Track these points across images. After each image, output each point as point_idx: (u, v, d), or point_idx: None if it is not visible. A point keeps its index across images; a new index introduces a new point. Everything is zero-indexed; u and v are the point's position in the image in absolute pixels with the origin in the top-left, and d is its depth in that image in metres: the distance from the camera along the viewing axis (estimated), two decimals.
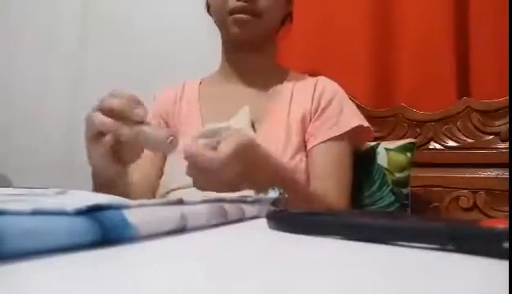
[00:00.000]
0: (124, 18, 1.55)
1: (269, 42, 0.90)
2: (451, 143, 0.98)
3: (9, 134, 1.64)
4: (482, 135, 0.95)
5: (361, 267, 0.23)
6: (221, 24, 0.85)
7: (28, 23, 1.68)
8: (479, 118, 0.95)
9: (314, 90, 0.86)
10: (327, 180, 0.77)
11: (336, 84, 0.89)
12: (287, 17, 0.93)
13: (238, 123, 0.79)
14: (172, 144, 0.52)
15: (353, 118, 0.84)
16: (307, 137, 0.83)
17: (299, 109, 0.84)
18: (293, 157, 0.78)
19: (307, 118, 0.83)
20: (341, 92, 0.88)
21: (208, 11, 0.92)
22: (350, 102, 0.89)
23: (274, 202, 0.48)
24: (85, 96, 1.58)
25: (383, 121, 1.05)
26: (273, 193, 0.53)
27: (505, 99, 0.93)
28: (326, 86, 0.87)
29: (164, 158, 0.85)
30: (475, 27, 1.01)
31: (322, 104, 0.84)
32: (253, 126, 0.81)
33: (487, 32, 0.99)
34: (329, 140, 0.81)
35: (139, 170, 0.82)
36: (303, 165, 0.80)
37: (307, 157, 0.82)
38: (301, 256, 0.26)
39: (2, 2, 1.72)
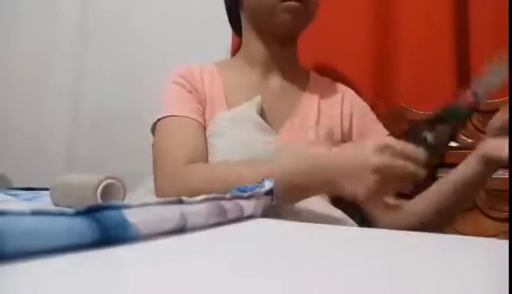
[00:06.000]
0: (124, 17, 1.55)
1: (297, 39, 0.90)
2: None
3: (9, 133, 1.64)
4: (482, 135, 0.95)
5: (365, 259, 0.23)
6: (269, 11, 0.81)
7: (27, 22, 1.68)
8: (479, 118, 0.95)
9: (342, 100, 0.88)
10: None
11: (359, 97, 0.92)
12: None
13: (246, 109, 0.79)
14: None
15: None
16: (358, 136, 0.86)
17: (329, 113, 0.85)
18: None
19: (337, 126, 0.85)
20: (366, 105, 0.92)
21: (229, 8, 0.92)
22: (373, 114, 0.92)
23: (267, 192, 0.49)
24: (85, 96, 1.58)
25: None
26: (268, 184, 0.52)
27: (505, 99, 0.93)
28: (354, 101, 0.90)
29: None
30: (475, 27, 1.00)
31: (356, 119, 0.87)
32: (261, 115, 0.80)
33: (487, 32, 0.98)
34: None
35: (201, 143, 0.76)
36: None
37: None
38: (300, 253, 0.26)
39: (1, 1, 1.72)
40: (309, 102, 0.85)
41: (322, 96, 0.87)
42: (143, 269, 0.22)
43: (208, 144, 0.76)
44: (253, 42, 0.88)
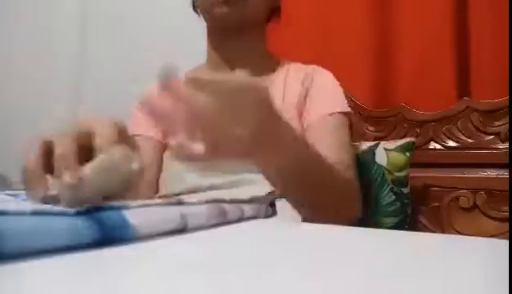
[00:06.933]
0: (124, 17, 1.55)
1: (257, 30, 0.88)
2: (451, 143, 0.98)
3: (9, 134, 1.64)
4: (482, 135, 0.95)
5: (363, 255, 0.23)
6: (208, 7, 0.82)
7: (27, 22, 1.68)
8: (479, 118, 0.95)
9: (306, 75, 0.85)
10: (331, 153, 0.71)
11: (330, 73, 0.88)
12: (276, 11, 0.92)
13: None
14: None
15: (346, 104, 0.84)
16: (303, 119, 0.81)
17: (294, 93, 0.83)
18: None
19: (301, 102, 0.82)
20: (335, 80, 0.87)
21: (194, 5, 0.91)
22: (342, 91, 0.87)
23: (271, 203, 0.48)
24: (85, 96, 1.58)
25: (383, 121, 1.05)
26: (269, 190, 0.52)
27: (505, 99, 0.93)
28: (320, 72, 0.87)
29: (160, 166, 0.84)
30: (475, 27, 1.01)
31: (315, 87, 0.83)
32: None
33: (487, 32, 0.99)
34: (327, 115, 0.79)
35: (149, 161, 0.82)
36: None
37: None
38: (300, 253, 0.26)
39: (1, 1, 1.72)
40: (275, 87, 0.83)
41: (287, 82, 0.85)
42: (143, 269, 0.22)
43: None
44: (209, 45, 0.90)
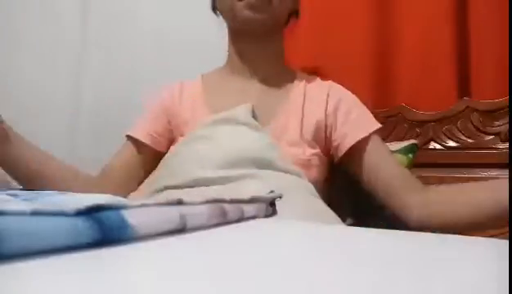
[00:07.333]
0: (126, 17, 1.55)
1: (276, 36, 0.88)
2: (451, 143, 0.98)
3: None
4: (482, 135, 0.95)
5: (357, 254, 0.23)
6: (230, 10, 0.81)
7: (29, 22, 1.68)
8: (479, 118, 0.95)
9: (328, 95, 0.85)
10: (397, 169, 0.80)
11: (348, 91, 0.88)
12: (293, 14, 0.91)
13: (240, 114, 0.79)
14: None
15: (374, 120, 0.85)
16: (336, 142, 0.82)
17: (314, 111, 0.83)
18: (305, 152, 0.79)
19: (322, 123, 0.82)
20: (356, 98, 0.88)
21: (213, 7, 0.90)
22: (365, 107, 0.88)
23: (271, 202, 0.48)
24: (86, 97, 1.58)
25: (383, 121, 1.05)
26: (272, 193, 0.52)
27: (505, 99, 0.93)
28: (342, 94, 0.86)
29: (157, 161, 0.85)
30: (475, 27, 1.01)
31: (344, 109, 0.83)
32: (254, 117, 0.80)
33: (487, 32, 0.98)
34: (372, 133, 0.81)
35: (122, 162, 0.86)
36: (316, 161, 0.80)
37: (327, 155, 0.83)
38: (301, 253, 0.26)
39: (3, 1, 1.72)
40: (293, 102, 0.84)
41: (307, 95, 0.85)
42: (143, 269, 0.22)
43: (188, 148, 0.78)
44: (231, 48, 0.89)
